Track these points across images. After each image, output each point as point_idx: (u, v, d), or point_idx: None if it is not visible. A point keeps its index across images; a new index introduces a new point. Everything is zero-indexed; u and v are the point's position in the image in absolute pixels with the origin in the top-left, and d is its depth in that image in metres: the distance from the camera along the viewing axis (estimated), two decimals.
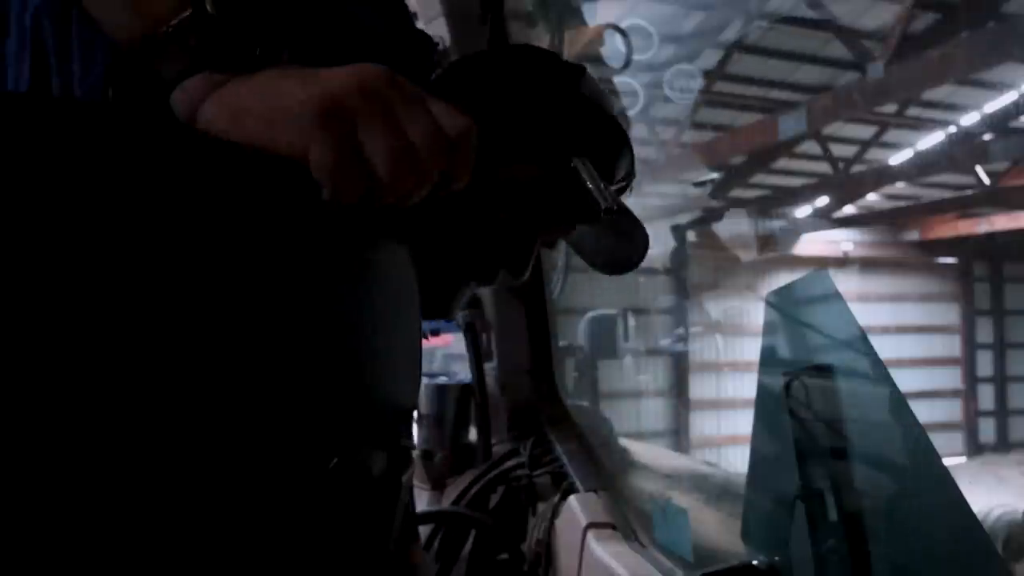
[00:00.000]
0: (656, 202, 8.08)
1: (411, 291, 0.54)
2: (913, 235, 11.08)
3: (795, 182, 9.35)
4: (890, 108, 7.31)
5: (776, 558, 0.82)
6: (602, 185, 0.63)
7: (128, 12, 0.43)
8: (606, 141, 0.68)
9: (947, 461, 0.67)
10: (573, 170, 0.63)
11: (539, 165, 0.64)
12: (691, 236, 7.49)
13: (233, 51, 0.44)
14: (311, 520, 0.42)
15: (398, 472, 0.54)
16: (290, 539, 0.41)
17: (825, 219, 9.85)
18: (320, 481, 0.43)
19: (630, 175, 0.71)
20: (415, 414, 1.48)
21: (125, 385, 0.33)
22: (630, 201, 0.70)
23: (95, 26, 0.45)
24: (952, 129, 8.33)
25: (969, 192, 8.86)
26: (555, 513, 1.11)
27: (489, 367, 1.50)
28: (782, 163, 8.85)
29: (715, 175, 6.52)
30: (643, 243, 0.68)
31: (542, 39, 1.63)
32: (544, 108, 0.65)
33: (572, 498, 1.08)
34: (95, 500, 0.32)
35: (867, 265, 10.96)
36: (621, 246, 0.70)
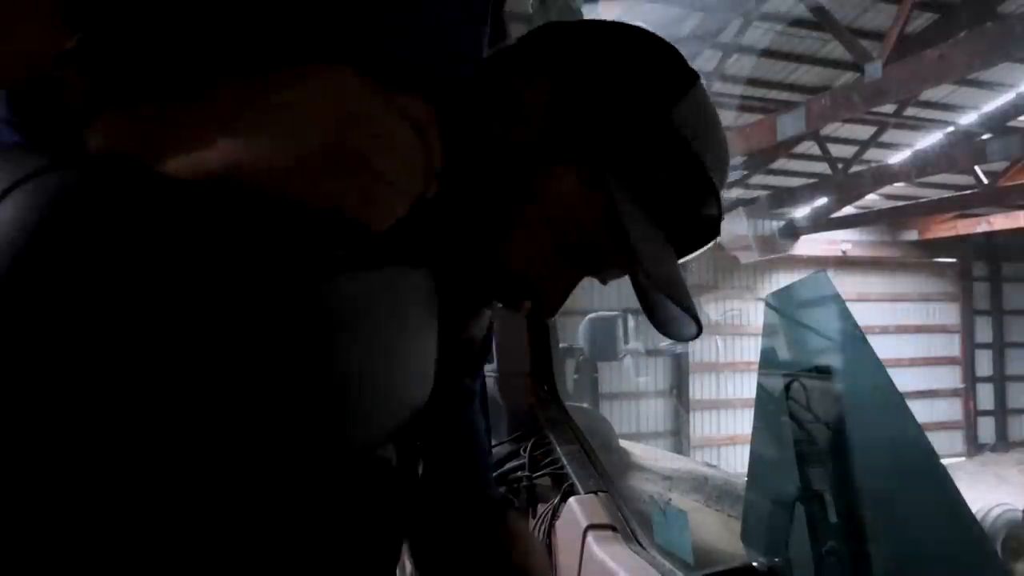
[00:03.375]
0: None
1: (431, 301, 0.54)
2: (912, 235, 11.09)
3: (794, 182, 9.36)
4: (888, 108, 7.31)
5: (776, 559, 0.82)
6: (640, 239, 0.54)
7: None
8: (681, 185, 0.57)
9: (947, 460, 0.67)
10: (610, 194, 0.54)
11: (584, 172, 0.55)
12: None
13: (147, 78, 0.37)
14: (338, 505, 0.44)
15: (413, 464, 0.57)
16: (319, 523, 0.42)
17: (824, 219, 9.86)
18: (349, 472, 0.45)
19: (712, 234, 0.61)
20: None
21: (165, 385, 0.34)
22: None
23: None
24: (950, 129, 8.33)
25: (968, 192, 8.87)
26: (555, 515, 1.11)
27: (489, 368, 1.50)
28: (781, 163, 8.86)
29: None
30: (684, 331, 0.61)
31: None
32: (616, 116, 0.56)
33: (572, 500, 1.08)
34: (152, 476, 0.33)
35: (866, 265, 10.97)
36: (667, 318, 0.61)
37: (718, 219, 0.61)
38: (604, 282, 0.63)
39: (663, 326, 0.62)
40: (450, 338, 0.56)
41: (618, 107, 0.56)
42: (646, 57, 0.58)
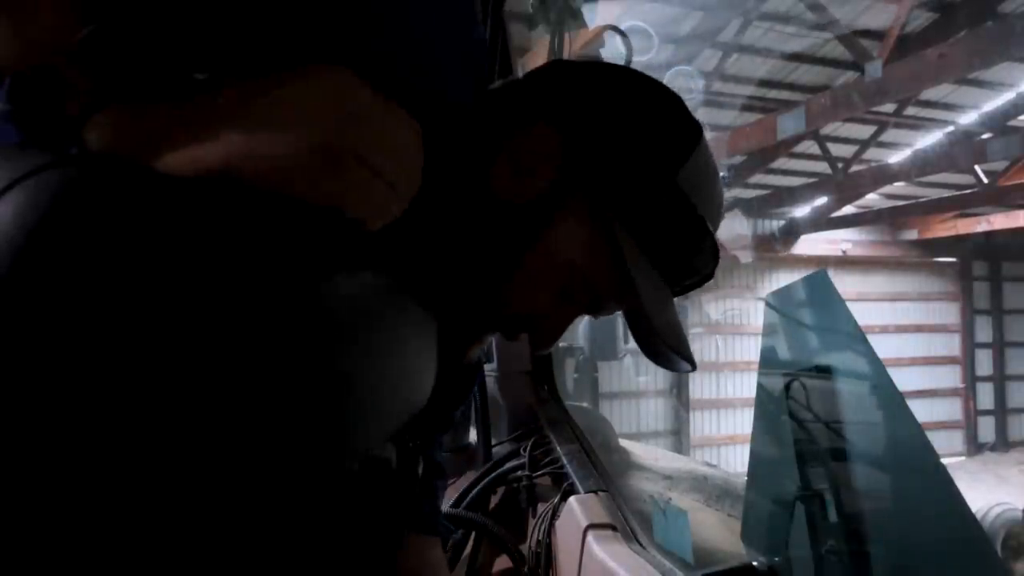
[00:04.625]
0: None
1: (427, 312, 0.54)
2: (912, 234, 11.10)
3: (794, 182, 9.36)
4: (888, 107, 7.31)
5: (776, 559, 0.82)
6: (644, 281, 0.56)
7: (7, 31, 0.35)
8: (682, 235, 0.60)
9: (947, 460, 0.67)
10: (615, 240, 0.56)
11: (590, 218, 0.57)
12: None
13: (158, 75, 0.36)
14: (338, 505, 0.45)
15: (412, 465, 0.58)
16: (318, 522, 0.43)
17: (824, 219, 9.86)
18: (349, 471, 0.45)
19: (706, 276, 0.64)
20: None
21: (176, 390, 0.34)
22: None
23: None
24: (950, 128, 8.33)
25: (967, 191, 8.87)
26: (555, 514, 1.11)
27: (489, 368, 1.50)
28: (781, 163, 8.86)
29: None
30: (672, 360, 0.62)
31: (542, 40, 1.63)
32: (627, 174, 0.57)
33: (572, 499, 1.08)
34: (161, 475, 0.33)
35: (866, 264, 10.97)
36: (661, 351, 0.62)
37: (714, 262, 0.63)
38: (597, 317, 0.65)
39: (657, 357, 0.63)
40: (450, 364, 0.57)
41: (628, 165, 0.57)
42: (654, 111, 0.59)
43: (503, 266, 0.58)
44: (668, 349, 0.59)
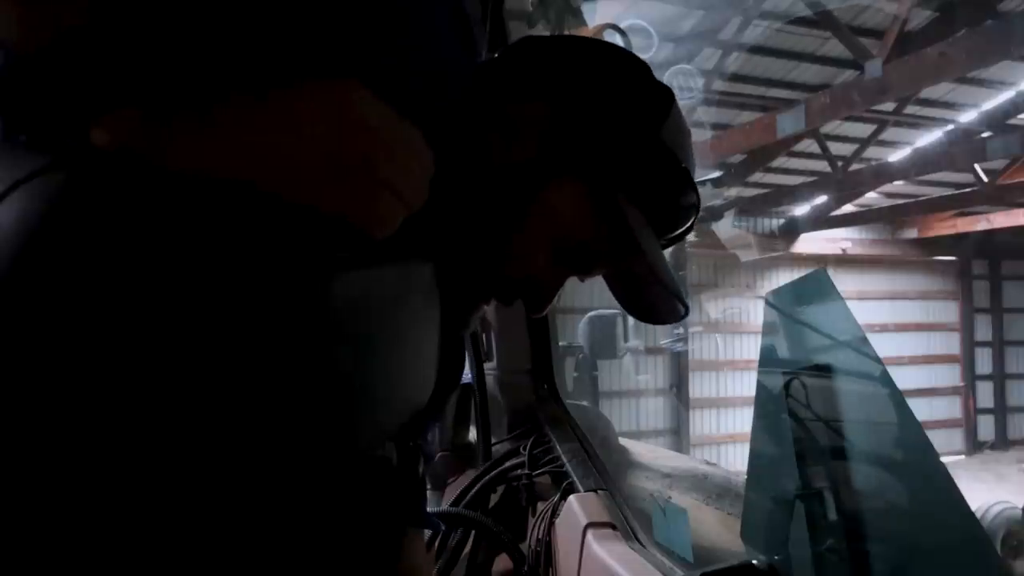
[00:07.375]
0: None
1: (432, 302, 0.54)
2: (912, 233, 11.09)
3: (794, 180, 9.35)
4: (888, 106, 7.30)
5: (776, 557, 0.82)
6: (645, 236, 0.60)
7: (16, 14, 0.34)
8: (669, 190, 0.64)
9: (947, 459, 0.67)
10: (618, 209, 0.60)
11: (587, 188, 0.61)
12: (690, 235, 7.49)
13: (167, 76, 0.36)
14: (339, 504, 0.45)
15: (413, 464, 0.60)
16: (320, 521, 0.43)
17: (824, 217, 9.85)
18: (350, 471, 0.45)
19: (689, 228, 0.68)
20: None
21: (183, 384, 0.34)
22: None
23: None
24: (950, 127, 8.32)
25: (967, 190, 8.86)
26: (555, 513, 1.11)
27: (489, 367, 1.50)
28: (780, 161, 8.85)
29: (715, 174, 6.51)
30: (672, 311, 0.66)
31: None
32: (615, 137, 0.61)
33: (572, 498, 1.08)
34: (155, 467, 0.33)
35: (866, 263, 10.97)
36: (652, 303, 0.66)
37: (695, 210, 0.67)
38: (583, 280, 0.69)
39: (646, 315, 0.68)
40: (452, 333, 0.59)
41: (613, 127, 0.61)
42: (628, 76, 0.63)
43: (503, 226, 0.61)
44: (667, 293, 0.63)
